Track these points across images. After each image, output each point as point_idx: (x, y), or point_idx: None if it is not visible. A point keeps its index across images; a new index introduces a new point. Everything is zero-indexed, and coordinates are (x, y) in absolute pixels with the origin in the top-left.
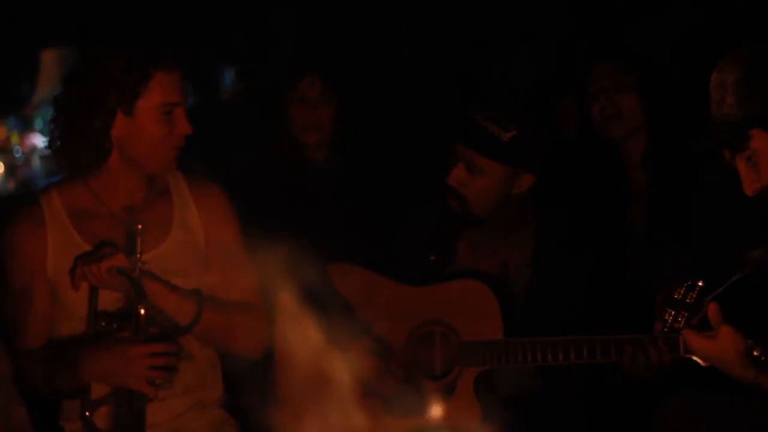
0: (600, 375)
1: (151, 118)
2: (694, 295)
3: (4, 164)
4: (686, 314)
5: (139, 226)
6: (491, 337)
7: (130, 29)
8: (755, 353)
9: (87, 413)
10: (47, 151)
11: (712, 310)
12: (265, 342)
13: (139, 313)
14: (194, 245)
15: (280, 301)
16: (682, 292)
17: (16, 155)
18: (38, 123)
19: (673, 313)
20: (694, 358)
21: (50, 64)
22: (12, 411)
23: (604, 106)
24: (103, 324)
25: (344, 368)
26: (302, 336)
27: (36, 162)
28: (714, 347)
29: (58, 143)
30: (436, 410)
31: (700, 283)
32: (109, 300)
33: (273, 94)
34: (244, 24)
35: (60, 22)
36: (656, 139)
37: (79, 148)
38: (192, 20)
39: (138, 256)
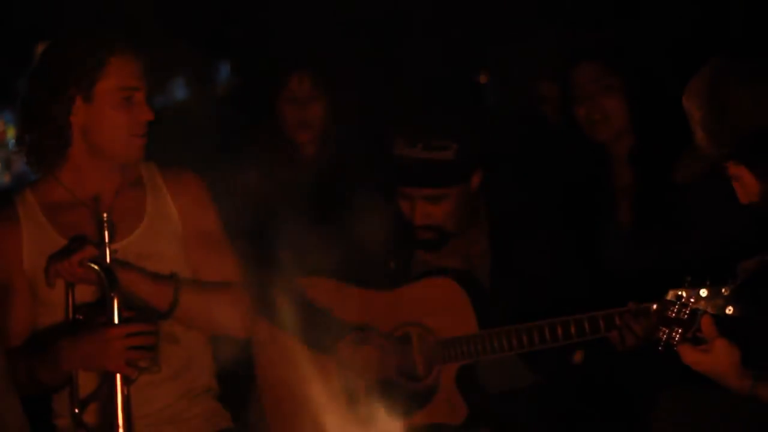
0: (593, 367)
1: (110, 102)
2: (687, 311)
3: (0, 158)
4: (680, 330)
5: (105, 215)
6: (466, 331)
7: (122, 23)
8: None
9: (76, 410)
10: (17, 149)
11: (706, 323)
12: (249, 319)
13: (113, 300)
14: (170, 230)
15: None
16: (675, 309)
17: (12, 149)
18: None
19: (666, 331)
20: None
21: None
22: (7, 407)
23: (589, 111)
24: (81, 317)
25: (329, 374)
26: (283, 350)
27: None
28: (710, 360)
29: (25, 137)
30: (421, 411)
31: (692, 300)
32: (87, 291)
33: (264, 91)
34: (241, 17)
35: (55, 15)
36: (643, 139)
37: (42, 138)
38: (188, 14)
39: (107, 245)
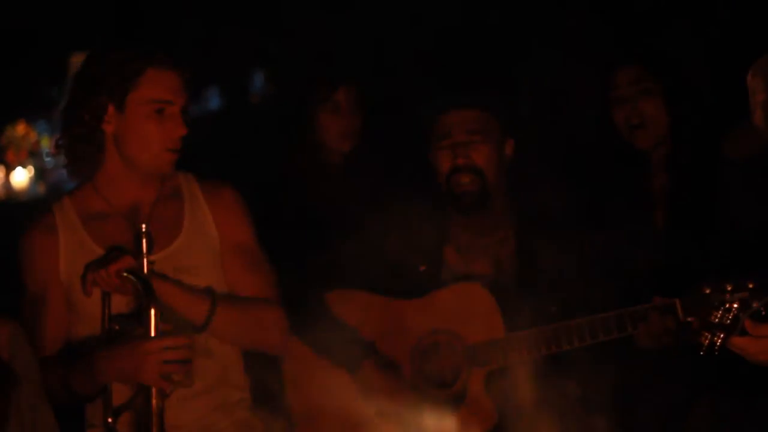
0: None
1: (142, 113)
2: (730, 316)
3: (34, 168)
4: (722, 335)
5: (143, 226)
6: (494, 336)
7: (157, 32)
8: None
9: (109, 419)
10: (54, 153)
11: (750, 323)
12: (284, 336)
13: (150, 312)
14: (207, 243)
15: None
16: (719, 315)
17: (46, 159)
18: None
19: (709, 336)
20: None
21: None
22: (40, 414)
23: (629, 115)
24: (116, 327)
25: (354, 391)
26: (310, 365)
27: None
28: None
29: (60, 142)
30: (451, 418)
31: (735, 305)
32: (122, 301)
33: (302, 101)
34: (275, 28)
35: (89, 26)
36: (680, 145)
37: (74, 142)
38: (222, 24)
39: (145, 256)
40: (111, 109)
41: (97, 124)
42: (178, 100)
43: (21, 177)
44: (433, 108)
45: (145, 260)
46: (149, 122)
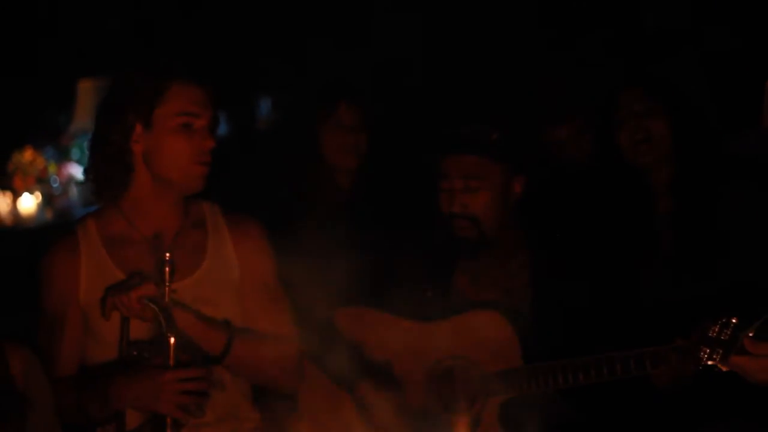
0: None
1: (170, 128)
2: (729, 332)
3: (42, 194)
4: (721, 351)
5: (167, 255)
6: (511, 366)
7: (164, 58)
8: None
9: None
10: (82, 177)
11: (749, 342)
12: (298, 375)
13: (170, 341)
14: (228, 276)
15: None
16: (717, 330)
17: (54, 185)
18: (75, 153)
19: (708, 350)
20: (720, 366)
21: (86, 94)
22: None
23: (634, 132)
24: (134, 353)
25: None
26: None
27: (73, 192)
28: None
29: (91, 167)
30: None
31: (734, 320)
32: (141, 327)
33: (306, 120)
34: (281, 53)
35: (96, 53)
36: (685, 167)
37: (103, 164)
38: (228, 50)
39: (167, 285)
40: (139, 127)
41: (125, 144)
42: (204, 114)
43: (28, 203)
44: (435, 148)
45: (167, 289)
46: (177, 137)
